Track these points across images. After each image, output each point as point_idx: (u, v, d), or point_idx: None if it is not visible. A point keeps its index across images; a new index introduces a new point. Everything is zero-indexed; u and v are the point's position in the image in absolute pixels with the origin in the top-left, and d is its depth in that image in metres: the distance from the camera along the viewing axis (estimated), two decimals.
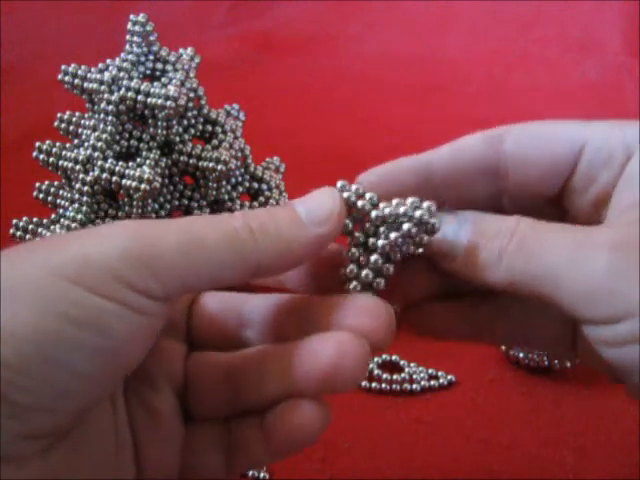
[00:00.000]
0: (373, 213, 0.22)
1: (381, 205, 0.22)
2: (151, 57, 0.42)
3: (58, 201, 0.44)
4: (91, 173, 0.41)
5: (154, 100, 0.40)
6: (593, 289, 0.19)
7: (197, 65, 0.43)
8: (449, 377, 0.41)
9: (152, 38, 0.42)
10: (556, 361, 0.39)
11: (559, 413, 0.39)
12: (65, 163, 0.42)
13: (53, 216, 0.45)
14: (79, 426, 0.20)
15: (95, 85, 0.41)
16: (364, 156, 0.61)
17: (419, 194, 0.22)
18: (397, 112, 0.70)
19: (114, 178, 0.41)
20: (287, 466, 0.36)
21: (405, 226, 0.22)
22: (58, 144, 0.43)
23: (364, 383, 0.40)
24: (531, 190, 0.24)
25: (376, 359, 0.42)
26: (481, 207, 0.23)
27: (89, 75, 0.42)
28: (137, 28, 0.41)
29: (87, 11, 0.85)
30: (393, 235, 0.22)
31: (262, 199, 0.46)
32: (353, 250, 0.22)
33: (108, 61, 0.42)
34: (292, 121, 0.68)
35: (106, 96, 0.41)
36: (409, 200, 0.22)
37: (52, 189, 0.45)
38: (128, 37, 0.41)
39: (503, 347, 0.41)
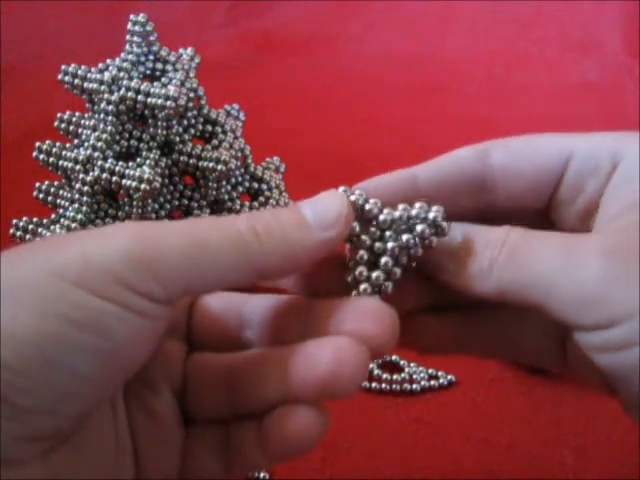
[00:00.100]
0: (382, 216, 0.22)
1: (385, 210, 0.22)
2: (151, 57, 0.42)
3: (58, 201, 0.44)
4: (91, 173, 0.41)
5: (154, 100, 0.40)
6: (585, 295, 0.19)
7: (197, 65, 0.43)
8: (449, 377, 0.41)
9: (152, 38, 0.42)
10: None
11: (559, 413, 0.39)
12: (65, 163, 0.42)
13: (53, 216, 0.45)
14: (80, 429, 0.20)
15: (95, 85, 0.41)
16: (364, 156, 0.61)
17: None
18: (397, 112, 0.70)
19: (114, 178, 0.41)
20: (287, 466, 0.36)
21: (419, 227, 0.22)
22: (58, 144, 0.43)
23: (364, 383, 0.40)
24: (519, 203, 0.24)
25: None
26: (469, 220, 0.23)
27: (89, 75, 0.42)
28: (137, 28, 0.41)
29: (87, 11, 0.85)
30: (405, 237, 0.22)
31: (262, 199, 0.46)
32: (361, 252, 0.22)
33: (108, 61, 0.42)
34: (292, 121, 0.68)
35: (106, 96, 0.41)
36: (417, 204, 0.22)
37: (52, 189, 0.45)
38: (128, 37, 0.41)
39: None
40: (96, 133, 0.42)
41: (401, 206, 0.22)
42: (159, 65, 0.42)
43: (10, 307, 0.17)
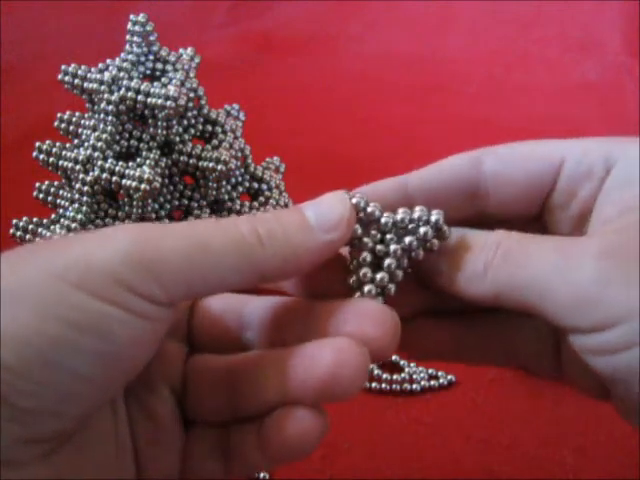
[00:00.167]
0: (383, 219, 0.22)
1: (385, 213, 0.22)
2: (151, 57, 0.42)
3: (58, 201, 0.44)
4: (91, 173, 0.41)
5: (154, 100, 0.40)
6: (580, 297, 0.19)
7: (197, 65, 0.43)
8: (449, 377, 0.41)
9: (152, 38, 0.42)
10: None
11: (559, 413, 0.39)
12: (65, 163, 0.42)
13: (53, 216, 0.45)
14: (80, 430, 0.20)
15: (95, 85, 0.41)
16: (364, 156, 0.61)
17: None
18: (397, 112, 0.70)
19: (114, 178, 0.41)
20: (287, 466, 0.36)
21: (422, 229, 0.22)
22: (58, 144, 0.43)
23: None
24: (511, 209, 0.24)
25: None
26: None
27: (89, 75, 0.42)
28: (137, 28, 0.41)
29: (87, 11, 0.85)
30: (408, 239, 0.22)
31: (262, 199, 0.46)
32: (365, 254, 0.22)
33: (108, 61, 0.42)
34: (292, 121, 0.68)
35: (106, 96, 0.41)
36: (417, 208, 0.22)
37: (52, 189, 0.45)
38: (128, 37, 0.41)
39: None
40: (96, 133, 0.42)
41: (401, 210, 0.22)
42: (159, 65, 0.42)
43: (11, 309, 0.17)
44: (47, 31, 0.83)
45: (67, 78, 0.43)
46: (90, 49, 0.72)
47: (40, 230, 0.44)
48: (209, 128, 0.44)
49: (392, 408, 0.39)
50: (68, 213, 0.43)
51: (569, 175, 0.23)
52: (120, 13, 0.47)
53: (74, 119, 0.43)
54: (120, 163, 0.41)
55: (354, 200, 0.22)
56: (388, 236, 0.22)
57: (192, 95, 0.42)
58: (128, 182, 0.40)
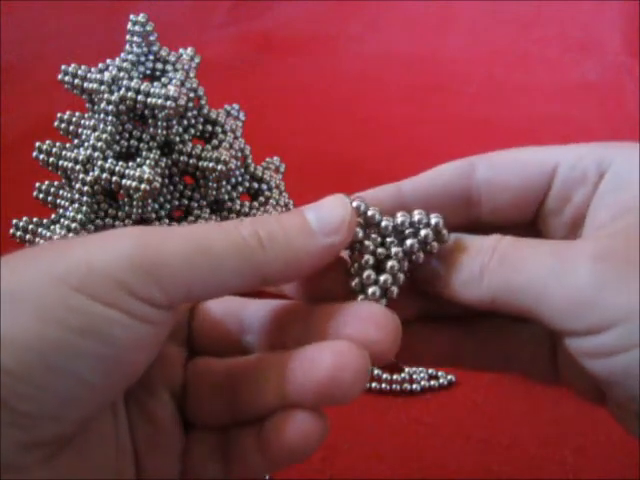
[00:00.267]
0: (384, 222, 0.22)
1: (385, 217, 0.22)
2: (151, 57, 0.42)
3: (58, 201, 0.44)
4: (91, 173, 0.41)
5: (154, 100, 0.40)
6: (576, 300, 0.19)
7: (197, 65, 0.43)
8: (449, 377, 0.41)
9: (152, 38, 0.42)
10: None
11: (559, 413, 0.39)
12: (65, 163, 0.42)
13: (53, 216, 0.45)
14: (81, 433, 0.20)
15: (95, 85, 0.42)
16: (364, 156, 0.61)
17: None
18: (397, 112, 0.70)
19: (114, 178, 0.41)
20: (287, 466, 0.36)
21: (422, 232, 0.22)
22: (58, 144, 0.43)
23: None
24: (505, 216, 0.24)
25: None
26: None
27: (89, 75, 0.42)
28: (137, 28, 0.41)
29: (87, 11, 0.85)
30: (409, 241, 0.22)
31: (262, 199, 0.46)
32: (367, 257, 0.22)
33: (108, 61, 0.42)
34: (292, 121, 0.68)
35: (106, 96, 0.41)
36: (416, 211, 0.22)
37: (52, 189, 0.45)
38: (128, 37, 0.41)
39: None
40: (96, 133, 0.42)
41: (400, 213, 0.22)
42: (159, 65, 0.42)
43: (11, 312, 0.17)
44: (47, 31, 0.83)
45: (67, 78, 0.43)
46: (90, 49, 0.72)
47: (40, 230, 0.44)
48: (209, 128, 0.44)
49: (392, 408, 0.39)
50: (68, 213, 0.43)
51: (563, 180, 0.23)
52: (120, 13, 0.47)
53: (74, 119, 0.43)
54: (120, 163, 0.41)
55: (354, 204, 0.22)
56: (388, 239, 0.22)
57: (192, 95, 0.42)
58: (128, 182, 0.40)
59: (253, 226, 0.20)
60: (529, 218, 0.24)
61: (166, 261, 0.19)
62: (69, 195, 0.44)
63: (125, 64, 0.41)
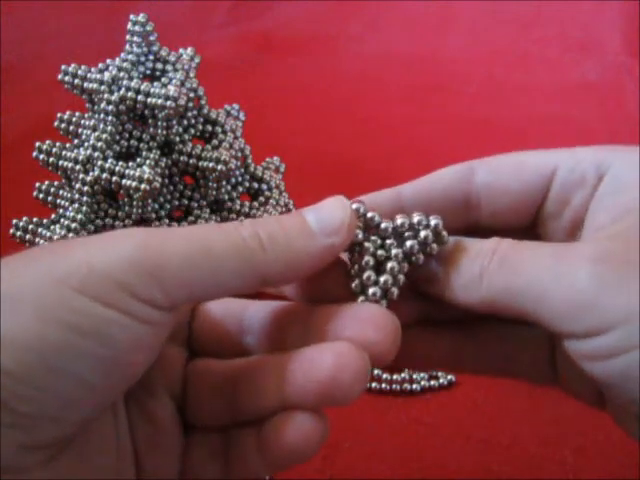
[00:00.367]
0: (383, 224, 0.22)
1: (384, 219, 0.23)
2: (151, 57, 0.42)
3: (58, 201, 0.44)
4: (91, 173, 0.41)
5: (154, 100, 0.40)
6: (575, 302, 0.19)
7: (197, 65, 0.43)
8: (449, 377, 0.41)
9: (152, 38, 0.42)
10: None
11: (559, 413, 0.39)
12: (65, 163, 0.42)
13: (53, 216, 0.45)
14: (81, 434, 0.20)
15: (95, 85, 0.41)
16: (364, 156, 0.61)
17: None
18: (397, 112, 0.70)
19: (114, 178, 0.41)
20: None
21: (422, 233, 0.22)
22: (58, 144, 0.43)
23: None
24: (504, 220, 0.24)
25: None
26: None
27: (89, 75, 0.42)
28: (137, 28, 0.41)
29: (87, 11, 0.85)
30: (409, 243, 0.22)
31: (262, 199, 0.46)
32: (367, 258, 0.22)
33: (108, 61, 0.42)
34: (292, 121, 0.68)
35: (106, 96, 0.41)
36: (416, 213, 0.22)
37: (52, 189, 0.45)
38: (128, 37, 0.41)
39: None
40: (96, 133, 0.42)
41: (399, 215, 0.23)
42: (159, 65, 0.42)
43: (11, 313, 0.17)
44: (47, 31, 0.83)
45: (67, 78, 0.43)
46: (90, 49, 0.72)
47: (40, 230, 0.44)
48: (209, 128, 0.44)
49: (392, 408, 0.39)
50: (68, 213, 0.43)
51: (562, 183, 0.23)
52: (120, 13, 0.47)
53: (74, 119, 0.43)
54: (120, 163, 0.41)
55: (354, 206, 0.22)
56: (388, 241, 0.22)
57: (192, 95, 0.42)
58: (128, 182, 0.40)
59: (253, 227, 0.20)
60: (528, 221, 0.24)
61: (167, 262, 0.19)
62: (69, 195, 0.44)
63: (125, 64, 0.41)
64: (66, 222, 0.42)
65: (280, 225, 0.21)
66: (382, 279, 0.22)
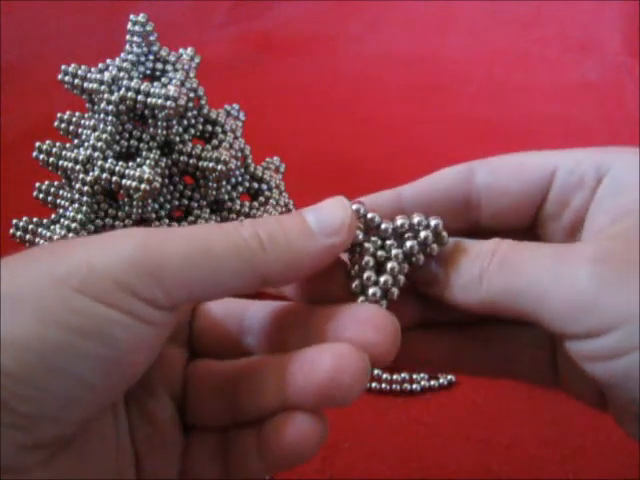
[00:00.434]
0: (383, 225, 0.22)
1: (385, 220, 0.23)
2: (151, 57, 0.42)
3: (58, 201, 0.44)
4: (91, 173, 0.41)
5: (154, 100, 0.40)
6: (576, 303, 0.19)
7: (197, 65, 0.43)
8: (449, 377, 0.41)
9: (152, 38, 0.42)
10: None
11: (559, 413, 0.39)
12: (65, 163, 0.42)
13: (53, 216, 0.45)
14: (81, 434, 0.20)
15: (95, 85, 0.41)
16: (364, 156, 0.61)
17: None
18: (397, 112, 0.70)
19: (114, 178, 0.41)
20: None
21: (422, 234, 0.22)
22: (58, 144, 0.43)
23: None
24: (504, 221, 0.24)
25: None
26: None
27: (89, 75, 0.42)
28: (137, 28, 0.41)
29: (87, 11, 0.85)
30: (410, 243, 0.22)
31: (262, 199, 0.46)
32: (367, 258, 0.22)
33: (108, 61, 0.42)
34: (292, 121, 0.68)
35: (106, 96, 0.41)
36: (416, 214, 0.22)
37: (52, 189, 0.45)
38: (128, 37, 0.41)
39: None
40: (96, 133, 0.42)
41: (400, 216, 0.23)
42: (159, 65, 0.42)
43: (11, 313, 0.17)
44: (47, 31, 0.83)
45: (67, 78, 0.43)
46: (90, 49, 0.72)
47: (40, 230, 0.44)
48: (209, 128, 0.44)
49: (392, 408, 0.39)
50: (68, 213, 0.43)
51: (561, 185, 0.23)
52: (120, 13, 0.47)
53: (74, 119, 0.43)
54: (120, 163, 0.41)
55: (354, 206, 0.22)
56: (388, 242, 0.23)
57: (192, 95, 0.42)
58: (128, 182, 0.40)
59: (253, 227, 0.20)
60: (528, 223, 0.24)
61: (167, 262, 0.19)
62: (69, 195, 0.44)
63: (125, 64, 0.41)
64: (66, 222, 0.42)
65: (280, 225, 0.21)
66: (382, 279, 0.22)
